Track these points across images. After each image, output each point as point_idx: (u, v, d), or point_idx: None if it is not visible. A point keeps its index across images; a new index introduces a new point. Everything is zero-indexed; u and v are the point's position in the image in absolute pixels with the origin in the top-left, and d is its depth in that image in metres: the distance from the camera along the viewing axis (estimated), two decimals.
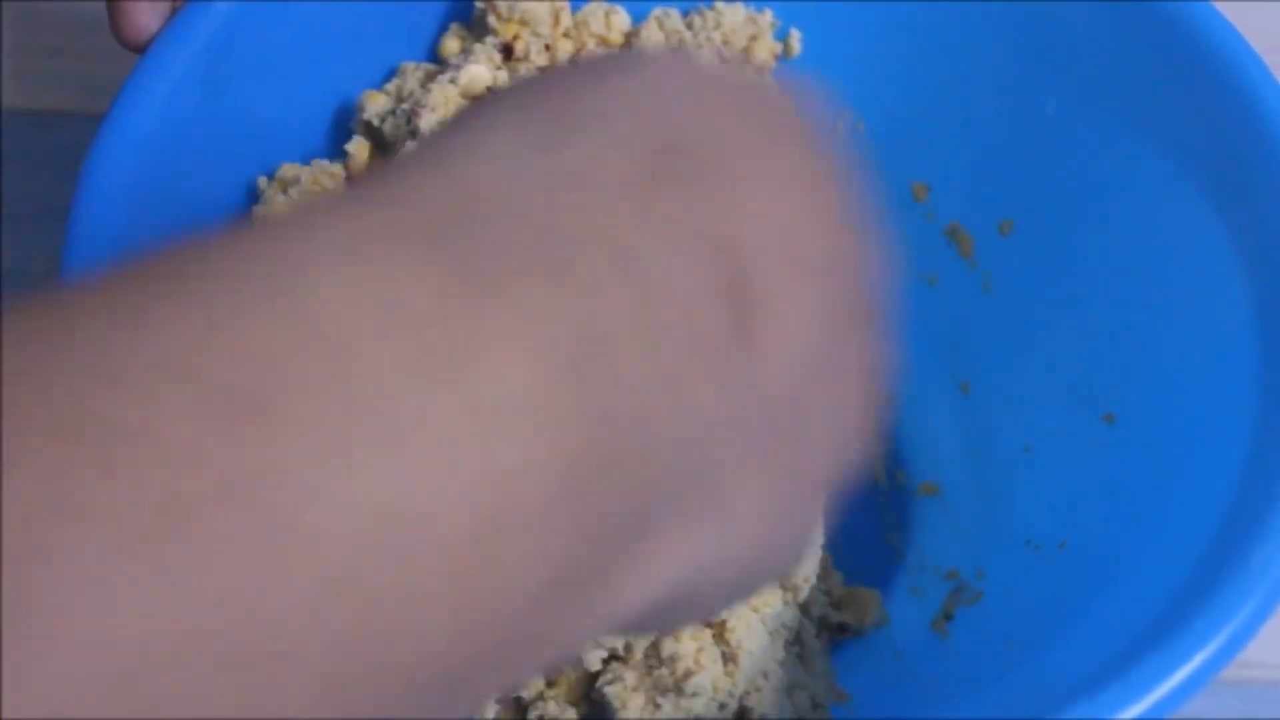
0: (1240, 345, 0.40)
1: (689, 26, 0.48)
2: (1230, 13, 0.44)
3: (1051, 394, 0.46)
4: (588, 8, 0.48)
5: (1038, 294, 0.47)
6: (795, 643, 0.42)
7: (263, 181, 0.44)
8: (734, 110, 0.25)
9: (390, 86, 0.47)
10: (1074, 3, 0.45)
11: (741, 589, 0.28)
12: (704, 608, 0.27)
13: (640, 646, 0.39)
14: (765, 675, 0.41)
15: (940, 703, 0.41)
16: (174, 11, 0.42)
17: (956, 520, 0.47)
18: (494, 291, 0.20)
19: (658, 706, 0.39)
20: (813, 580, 0.42)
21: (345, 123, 0.47)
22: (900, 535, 0.48)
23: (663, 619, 0.26)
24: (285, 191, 0.44)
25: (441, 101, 0.44)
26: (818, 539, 0.42)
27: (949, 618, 0.44)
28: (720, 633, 0.40)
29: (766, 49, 0.49)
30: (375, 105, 0.46)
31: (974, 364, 0.49)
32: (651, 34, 0.47)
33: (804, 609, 0.43)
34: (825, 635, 0.45)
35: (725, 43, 0.48)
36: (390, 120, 0.46)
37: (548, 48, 0.46)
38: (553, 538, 0.20)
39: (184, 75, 0.41)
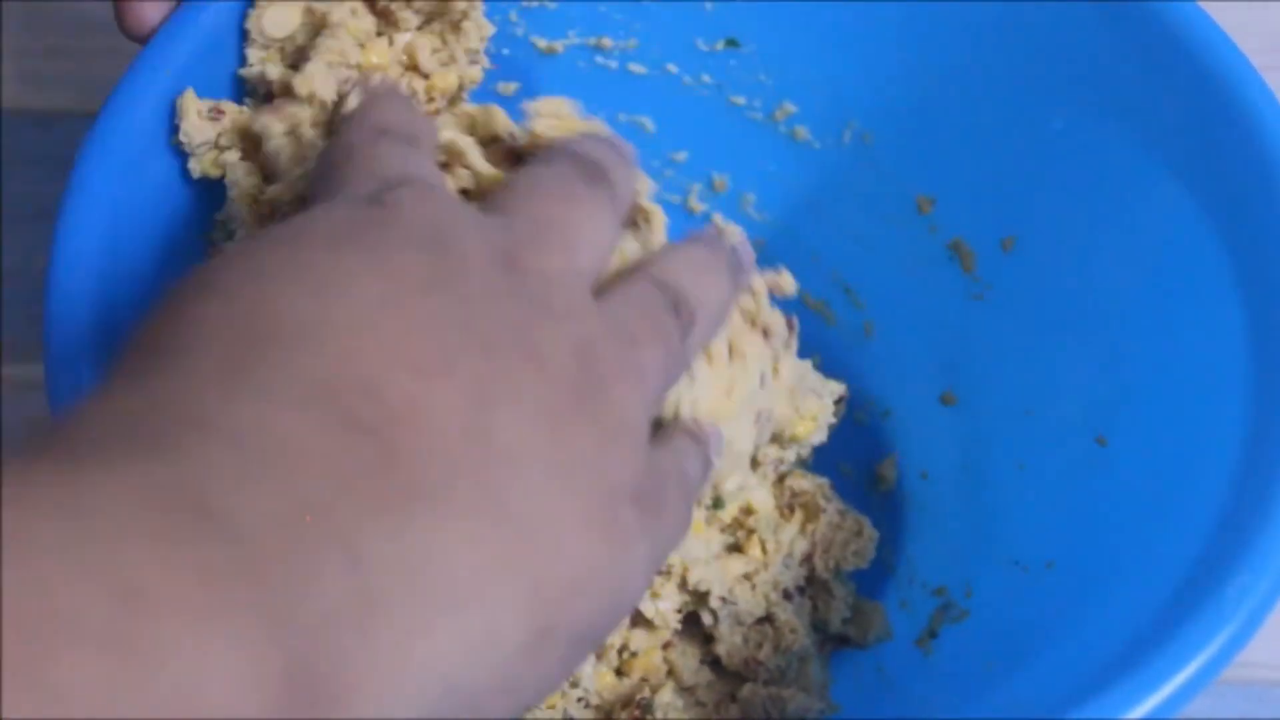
0: (1232, 373, 0.40)
1: None
2: (1228, 11, 0.44)
3: (1046, 413, 0.46)
4: None
5: (1037, 312, 0.47)
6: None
7: None
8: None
9: None
10: (1083, 22, 0.45)
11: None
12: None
13: None
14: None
15: (919, 718, 0.41)
16: (177, 5, 0.42)
17: (948, 536, 0.47)
18: None
19: None
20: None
21: None
22: (892, 549, 0.48)
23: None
24: None
25: None
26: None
27: (934, 635, 0.44)
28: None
29: None
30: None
31: (971, 380, 0.49)
32: None
33: (820, 622, 0.44)
34: (828, 645, 0.45)
35: None
36: None
37: None
38: None
39: (183, 70, 0.41)
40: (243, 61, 0.42)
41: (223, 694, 0.21)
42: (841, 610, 0.44)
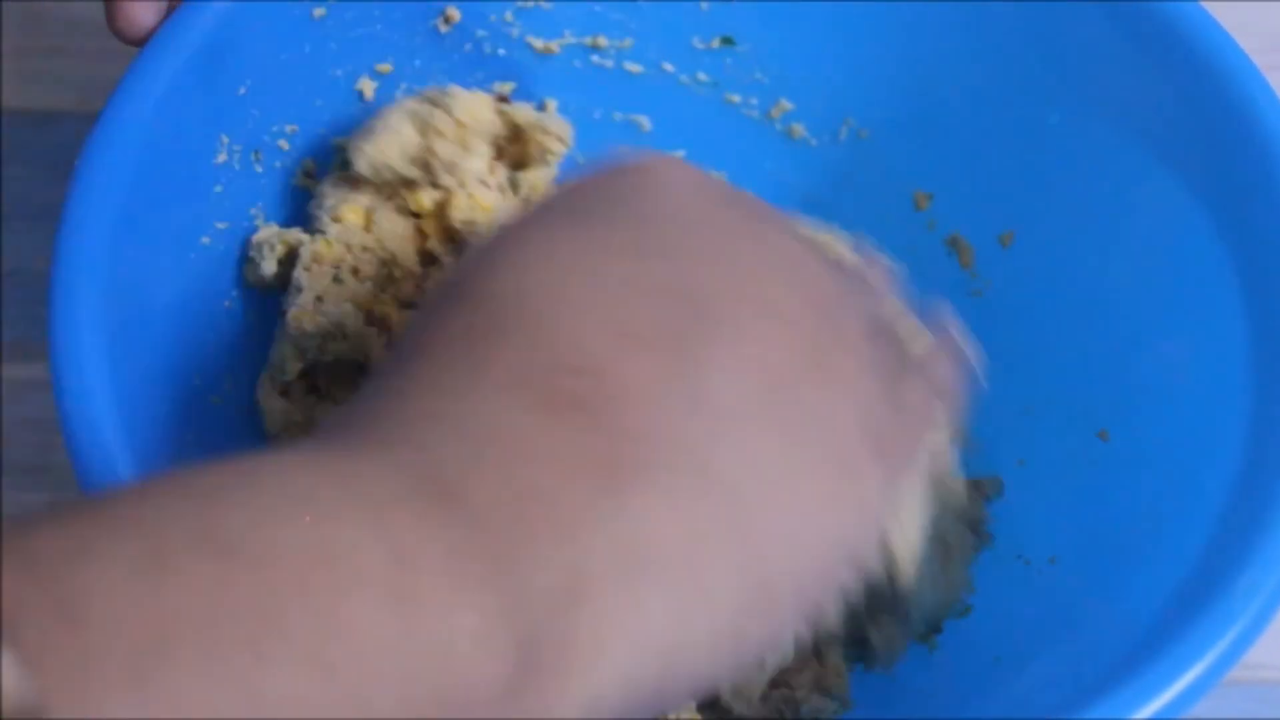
0: (1234, 365, 0.40)
1: None
2: (1227, 11, 0.44)
3: (1047, 407, 0.46)
4: None
5: (1036, 307, 0.47)
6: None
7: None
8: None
9: None
10: (1080, 16, 0.45)
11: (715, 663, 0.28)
12: (677, 688, 0.28)
13: None
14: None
15: (925, 715, 0.41)
16: (172, 7, 0.42)
17: None
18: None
19: None
20: None
21: (344, 123, 0.47)
22: None
23: (637, 706, 0.27)
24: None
25: None
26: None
27: (937, 631, 0.44)
28: None
29: None
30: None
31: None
32: None
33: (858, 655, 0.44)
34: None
35: None
36: None
37: None
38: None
39: (181, 72, 0.41)
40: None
41: (470, 654, 0.24)
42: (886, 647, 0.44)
